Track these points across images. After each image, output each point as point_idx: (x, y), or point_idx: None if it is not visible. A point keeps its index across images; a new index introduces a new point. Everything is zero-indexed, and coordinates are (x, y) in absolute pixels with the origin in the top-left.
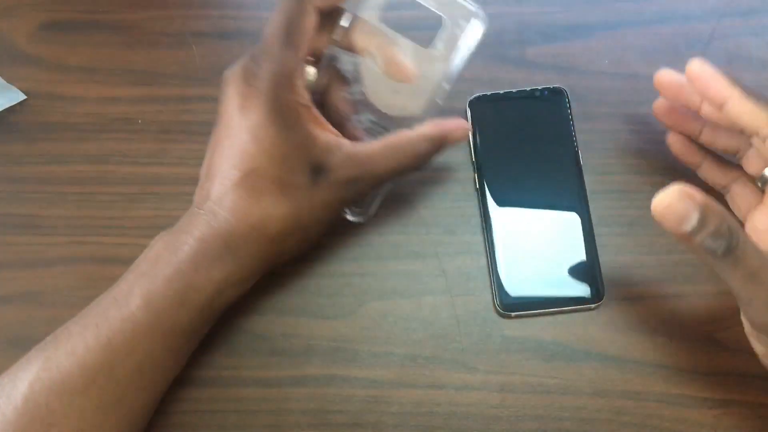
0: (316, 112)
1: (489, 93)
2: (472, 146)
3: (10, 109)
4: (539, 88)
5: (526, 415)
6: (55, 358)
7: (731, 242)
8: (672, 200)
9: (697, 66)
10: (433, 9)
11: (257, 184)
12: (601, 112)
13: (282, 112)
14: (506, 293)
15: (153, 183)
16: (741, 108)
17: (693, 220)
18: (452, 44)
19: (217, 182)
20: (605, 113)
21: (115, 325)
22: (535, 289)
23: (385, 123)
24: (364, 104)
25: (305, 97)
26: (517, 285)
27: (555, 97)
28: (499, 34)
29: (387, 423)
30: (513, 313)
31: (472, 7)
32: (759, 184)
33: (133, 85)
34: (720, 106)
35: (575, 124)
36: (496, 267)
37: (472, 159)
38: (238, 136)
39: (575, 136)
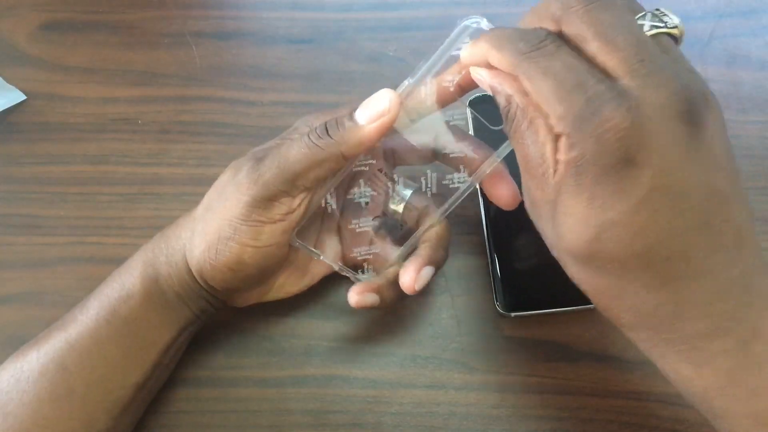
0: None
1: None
2: None
3: (10, 109)
4: None
5: (526, 415)
6: (23, 348)
7: (506, 128)
8: (474, 76)
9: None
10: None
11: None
12: None
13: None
14: (506, 293)
15: (153, 183)
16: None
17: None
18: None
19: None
20: None
21: (74, 317)
22: (535, 289)
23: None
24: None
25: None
26: (517, 285)
27: None
28: None
29: (387, 423)
30: (513, 313)
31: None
32: None
33: (133, 85)
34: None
35: None
36: (496, 267)
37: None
38: None
39: None
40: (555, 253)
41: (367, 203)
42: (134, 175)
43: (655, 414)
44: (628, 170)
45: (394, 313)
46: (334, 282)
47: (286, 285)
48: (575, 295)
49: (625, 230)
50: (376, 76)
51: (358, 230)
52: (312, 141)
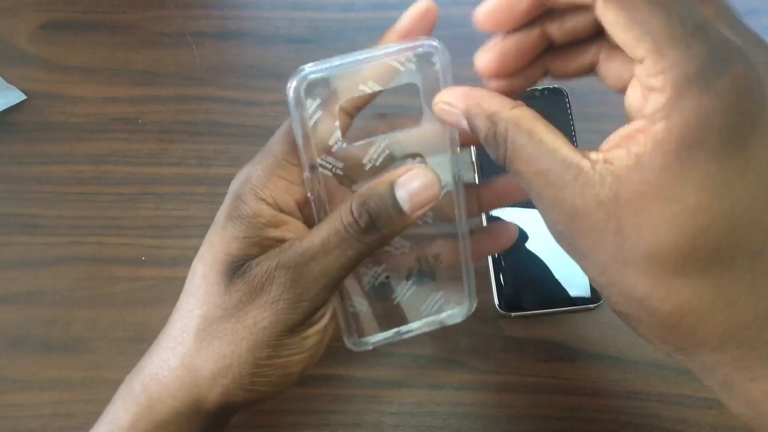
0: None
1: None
2: (472, 146)
3: (10, 109)
4: (539, 87)
5: (526, 415)
6: None
7: (501, 151)
8: (440, 108)
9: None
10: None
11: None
12: (601, 112)
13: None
14: (506, 293)
15: (153, 183)
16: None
17: (465, 125)
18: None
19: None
20: (605, 113)
21: None
22: (535, 289)
23: None
24: None
25: (263, 192)
26: (517, 285)
27: (555, 97)
28: None
29: (387, 423)
30: (513, 313)
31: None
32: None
33: (133, 85)
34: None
35: (575, 124)
36: (496, 267)
37: (472, 159)
38: None
39: (575, 136)
40: (615, 270)
41: (387, 277)
42: (134, 175)
43: (655, 414)
44: (753, 138)
45: None
46: None
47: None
48: (575, 296)
49: (745, 213)
50: None
51: (405, 302)
52: (359, 240)
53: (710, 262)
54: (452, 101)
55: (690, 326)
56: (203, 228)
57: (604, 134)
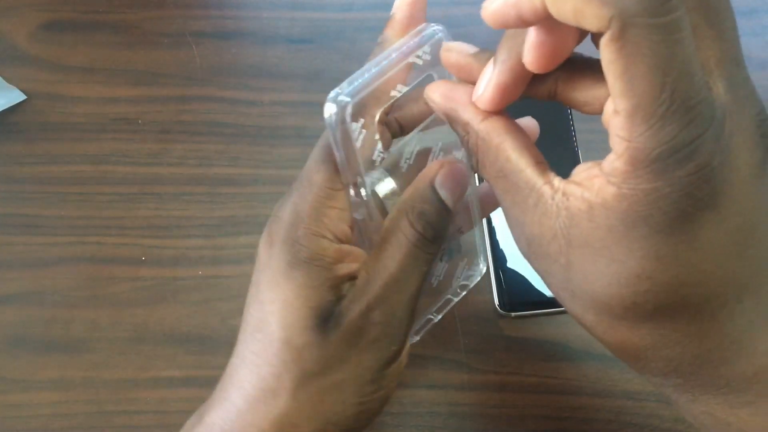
0: (327, 244)
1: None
2: None
3: (10, 109)
4: None
5: (526, 415)
6: None
7: (473, 162)
8: (428, 103)
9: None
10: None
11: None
12: None
13: (287, 256)
14: (506, 293)
15: (153, 183)
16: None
17: None
18: None
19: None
20: None
21: None
22: (535, 289)
23: None
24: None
25: (320, 228)
26: (517, 285)
27: None
28: (499, 34)
29: (387, 423)
30: (513, 313)
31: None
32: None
33: (133, 85)
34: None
35: (575, 124)
36: (496, 267)
37: None
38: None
39: (575, 136)
40: (565, 296)
41: None
42: (134, 175)
43: (655, 414)
44: (704, 214)
45: None
46: None
47: None
48: None
49: (688, 279)
50: None
51: (441, 281)
52: (428, 252)
53: (652, 314)
54: (434, 99)
55: (633, 357)
56: (203, 228)
57: (604, 134)
